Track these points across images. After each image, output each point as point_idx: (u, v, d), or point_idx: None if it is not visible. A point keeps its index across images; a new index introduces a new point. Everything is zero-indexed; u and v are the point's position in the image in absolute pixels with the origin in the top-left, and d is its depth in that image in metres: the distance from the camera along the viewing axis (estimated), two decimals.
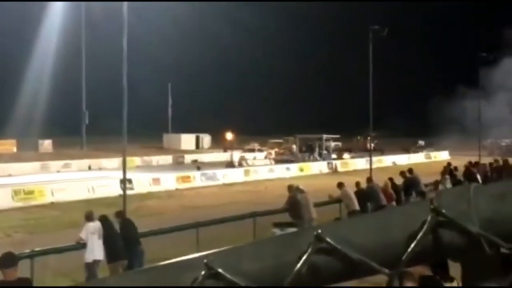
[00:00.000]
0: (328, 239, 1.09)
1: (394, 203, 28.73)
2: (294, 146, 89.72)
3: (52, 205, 39.65)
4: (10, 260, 11.14)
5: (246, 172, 60.72)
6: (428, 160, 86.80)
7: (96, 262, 18.36)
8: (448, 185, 31.75)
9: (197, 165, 68.01)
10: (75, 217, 28.39)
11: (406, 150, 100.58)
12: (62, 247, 19.17)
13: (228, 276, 1.12)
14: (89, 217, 19.10)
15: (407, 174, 33.88)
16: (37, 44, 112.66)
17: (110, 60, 50.08)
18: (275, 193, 37.82)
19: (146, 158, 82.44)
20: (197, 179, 53.80)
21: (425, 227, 1.05)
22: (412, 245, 1.06)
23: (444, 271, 7.93)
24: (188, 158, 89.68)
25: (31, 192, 41.55)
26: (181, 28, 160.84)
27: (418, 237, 1.05)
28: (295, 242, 1.13)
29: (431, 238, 1.06)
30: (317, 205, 26.25)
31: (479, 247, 1.04)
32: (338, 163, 74.46)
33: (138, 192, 43.27)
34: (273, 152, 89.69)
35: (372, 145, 66.14)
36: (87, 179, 50.83)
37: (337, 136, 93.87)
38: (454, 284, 8.19)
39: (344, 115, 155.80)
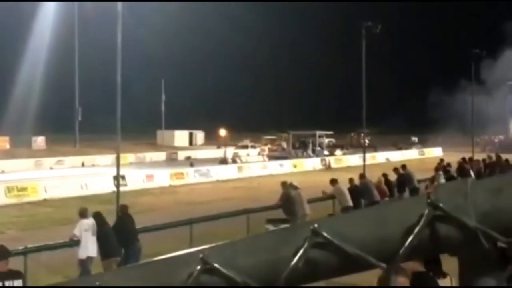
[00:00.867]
0: (325, 234, 1.09)
1: (387, 199, 28.79)
2: (284, 143, 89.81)
3: (45, 202, 39.61)
4: (1, 253, 11.14)
5: (240, 169, 60.73)
6: (421, 156, 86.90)
7: (89, 259, 18.37)
8: (442, 181, 31.76)
9: (191, 162, 68.01)
10: (69, 213, 28.39)
11: (395, 145, 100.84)
12: (55, 243, 19.17)
13: (224, 271, 1.12)
14: (83, 214, 19.10)
15: (401, 171, 33.95)
16: (30, 40, 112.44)
17: (103, 57, 50.08)
18: (268, 190, 37.83)
19: (139, 154, 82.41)
20: (191, 175, 53.79)
21: (422, 221, 1.05)
22: (409, 239, 1.05)
23: (437, 267, 7.94)
24: (182, 155, 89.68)
25: (24, 189, 41.49)
26: (174, 24, 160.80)
27: (415, 231, 1.05)
28: (291, 237, 1.13)
29: (428, 232, 1.06)
30: (310, 201, 26.29)
31: (476, 241, 1.04)
32: (331, 159, 74.49)
33: (132, 188, 43.23)
34: (266, 148, 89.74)
35: (366, 141, 66.21)
36: (80, 175, 50.82)
37: (331, 132, 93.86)
38: (447, 280, 8.20)
39: (337, 112, 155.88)
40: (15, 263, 13.64)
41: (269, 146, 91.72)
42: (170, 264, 1.19)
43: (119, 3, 28.15)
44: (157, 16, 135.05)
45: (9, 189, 40.65)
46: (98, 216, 19.19)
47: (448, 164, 39.41)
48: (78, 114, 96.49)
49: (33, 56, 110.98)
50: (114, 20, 28.39)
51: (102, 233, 18.64)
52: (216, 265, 1.12)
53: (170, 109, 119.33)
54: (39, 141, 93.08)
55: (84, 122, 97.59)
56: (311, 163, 70.21)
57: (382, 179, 30.89)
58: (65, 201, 38.31)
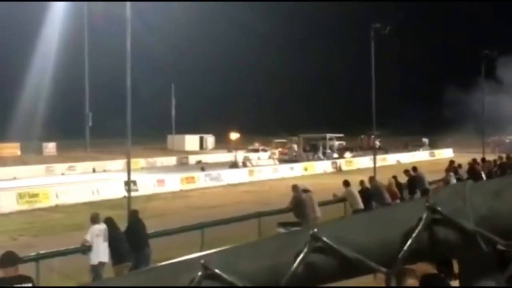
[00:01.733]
0: (324, 238, 1.09)
1: (398, 201, 28.71)
2: (295, 146, 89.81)
3: (57, 208, 39.71)
4: (10, 259, 11.17)
5: (250, 172, 60.76)
6: (432, 158, 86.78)
7: (101, 264, 18.40)
8: (453, 182, 31.70)
9: (201, 166, 68.01)
10: (80, 219, 28.43)
11: (405, 147, 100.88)
12: (67, 249, 19.19)
13: (225, 276, 1.12)
14: (94, 219, 19.12)
15: (411, 172, 33.88)
16: (39, 45, 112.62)
17: (113, 62, 50.15)
18: (279, 193, 37.84)
19: (150, 159, 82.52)
20: (202, 179, 53.83)
21: (420, 224, 1.05)
22: (408, 243, 1.06)
23: (449, 269, 7.92)
24: (192, 159, 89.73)
25: (35, 195, 41.60)
26: (184, 28, 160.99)
27: (414, 234, 1.05)
28: (291, 242, 1.13)
29: (427, 235, 1.06)
30: (321, 204, 26.27)
31: (475, 244, 1.04)
32: (342, 162, 74.44)
33: (143, 193, 43.31)
34: (277, 152, 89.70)
35: (377, 143, 66.14)
36: (91, 181, 50.90)
37: (341, 135, 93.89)
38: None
39: (348, 114, 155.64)
40: (27, 269, 13.67)
41: (280, 149, 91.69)
42: (171, 270, 1.20)
43: (128, 8, 28.22)
44: (166, 20, 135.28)
45: (20, 196, 40.77)
46: (109, 222, 19.22)
47: (459, 165, 39.29)
48: (88, 120, 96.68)
49: (42, 61, 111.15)
50: (123, 25, 28.47)
51: (114, 239, 18.66)
52: (217, 270, 1.13)
53: (180, 114, 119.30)
54: (50, 147, 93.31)
55: (94, 127, 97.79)
56: (322, 166, 70.22)
57: (393, 181, 30.83)
58: (76, 206, 38.41)
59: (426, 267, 7.16)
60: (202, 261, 1.14)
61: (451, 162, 40.81)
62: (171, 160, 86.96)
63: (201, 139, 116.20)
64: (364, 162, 69.87)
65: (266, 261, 1.13)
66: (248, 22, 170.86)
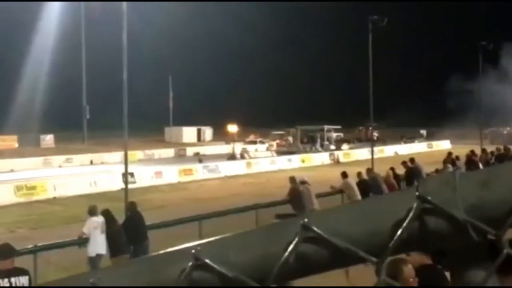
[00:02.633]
0: (315, 228, 1.09)
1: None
2: (290, 138, 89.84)
3: (55, 200, 39.73)
4: (6, 251, 11.17)
5: (248, 164, 60.77)
6: (430, 149, 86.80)
7: (99, 257, 18.41)
8: None
9: (199, 158, 68.01)
10: (78, 211, 28.47)
11: (402, 138, 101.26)
12: (65, 242, 19.22)
13: (216, 266, 1.12)
14: (92, 212, 19.14)
15: (409, 164, 33.94)
16: (36, 38, 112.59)
17: (110, 54, 50.10)
18: (277, 185, 37.88)
19: (147, 151, 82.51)
20: (199, 171, 53.85)
21: (410, 214, 1.05)
22: (398, 233, 1.06)
23: (444, 259, 7.92)
24: (190, 151, 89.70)
25: (33, 188, 41.61)
26: (180, 21, 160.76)
27: (404, 224, 1.05)
28: (282, 232, 1.13)
29: (417, 225, 1.06)
30: (319, 196, 26.30)
31: (465, 233, 1.04)
32: (340, 153, 74.46)
33: (141, 185, 43.34)
34: (274, 144, 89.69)
35: (375, 134, 66.18)
36: (89, 173, 50.88)
37: (339, 127, 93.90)
38: None
39: (346, 106, 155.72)
40: (25, 262, 13.68)
41: (278, 141, 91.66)
42: (162, 261, 1.20)
43: (124, 1, 28.25)
44: (163, 13, 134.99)
45: (18, 188, 40.78)
46: (107, 214, 19.24)
47: (457, 157, 39.37)
48: (86, 112, 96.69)
49: (39, 54, 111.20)
50: (120, 18, 28.46)
51: (111, 231, 18.68)
52: (207, 260, 1.12)
53: (178, 106, 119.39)
54: (48, 139, 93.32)
55: (92, 120, 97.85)
56: (320, 158, 70.23)
57: (391, 173, 30.88)
58: (74, 199, 38.42)
59: (421, 258, 7.17)
60: (192, 251, 1.14)
61: (449, 153, 40.90)
62: (169, 152, 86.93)
63: (199, 131, 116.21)
64: (362, 153, 69.84)
65: (256, 251, 1.13)
66: (245, 14, 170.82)
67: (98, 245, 18.44)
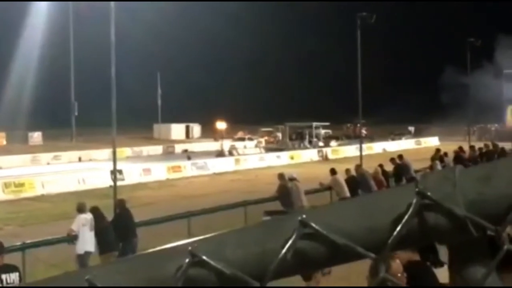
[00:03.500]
0: (313, 224, 1.09)
1: (384, 189, 28.77)
2: (278, 134, 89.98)
3: (43, 197, 39.66)
4: None
5: (237, 161, 60.82)
6: (418, 146, 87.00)
7: (87, 254, 18.40)
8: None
9: (188, 155, 67.98)
10: (66, 209, 28.45)
11: (392, 134, 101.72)
12: (53, 239, 19.22)
13: (213, 263, 1.11)
14: (80, 209, 19.12)
15: (397, 161, 34.05)
16: (24, 34, 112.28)
17: (98, 51, 50.01)
18: (266, 182, 37.92)
19: (136, 148, 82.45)
20: (188, 168, 53.86)
21: (410, 210, 1.05)
22: (398, 229, 1.05)
23: (434, 255, 7.94)
24: (179, 148, 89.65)
25: (21, 185, 41.53)
26: (169, 17, 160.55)
27: (404, 220, 1.05)
28: (280, 228, 1.13)
29: (417, 221, 1.05)
30: (308, 192, 26.36)
31: (465, 229, 1.04)
32: (328, 150, 74.56)
33: (129, 182, 43.34)
34: (263, 140, 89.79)
35: (364, 131, 66.29)
36: (77, 170, 50.84)
37: (327, 123, 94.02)
38: (444, 268, 8.19)
39: (334, 103, 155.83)
40: (13, 259, 13.66)
41: (266, 138, 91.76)
42: (158, 257, 1.19)
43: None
44: (151, 10, 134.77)
45: (6, 185, 40.69)
46: (95, 211, 19.23)
47: (445, 154, 39.50)
48: (74, 109, 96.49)
49: (27, 50, 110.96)
50: (108, 15, 28.43)
51: (100, 228, 18.68)
52: (204, 257, 1.12)
53: (166, 103, 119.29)
54: (36, 136, 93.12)
55: (80, 117, 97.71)
56: (308, 155, 70.37)
57: (379, 170, 30.97)
58: (62, 196, 38.38)
59: (408, 255, 7.17)
60: (189, 248, 1.13)
61: (437, 150, 41.03)
62: (157, 149, 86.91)
63: (187, 128, 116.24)
64: (351, 150, 69.91)
65: (254, 248, 1.12)
66: (233, 11, 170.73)
67: (87, 242, 18.42)
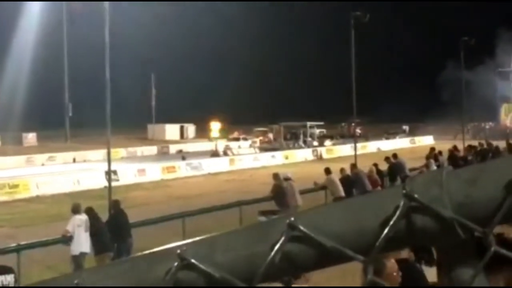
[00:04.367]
0: (301, 227, 1.09)
1: (379, 188, 28.80)
2: (271, 134, 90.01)
3: (38, 199, 39.64)
4: None
5: (231, 161, 60.81)
6: (412, 145, 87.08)
7: (82, 255, 18.40)
8: (434, 169, 31.86)
9: (182, 155, 67.96)
10: (61, 210, 28.44)
11: (386, 133, 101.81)
12: (48, 240, 19.21)
13: (202, 266, 1.12)
14: (75, 210, 19.12)
15: (392, 160, 34.07)
16: (17, 35, 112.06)
17: (92, 52, 49.95)
18: (260, 182, 37.92)
19: (130, 149, 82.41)
20: (182, 169, 53.85)
21: (397, 212, 1.05)
22: (385, 231, 1.05)
23: (428, 255, 7.97)
24: (173, 148, 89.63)
25: (16, 186, 41.49)
26: (162, 19, 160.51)
27: (391, 222, 1.05)
28: (268, 231, 1.13)
29: (404, 223, 1.06)
30: (302, 192, 26.38)
31: (453, 231, 1.04)
32: (323, 150, 74.59)
33: (124, 183, 43.32)
34: (258, 140, 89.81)
35: (358, 131, 66.32)
36: (72, 171, 50.82)
37: (321, 123, 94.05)
38: None
39: (329, 102, 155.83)
40: (8, 260, 13.66)
41: (261, 138, 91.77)
42: (147, 261, 1.19)
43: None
44: (145, 11, 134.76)
45: (0, 187, 40.67)
46: (90, 212, 19.24)
47: (440, 152, 39.55)
48: (68, 110, 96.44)
49: (20, 51, 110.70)
50: (102, 16, 28.42)
51: (95, 229, 18.69)
52: (193, 261, 1.12)
53: (160, 103, 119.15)
54: (30, 137, 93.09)
55: (74, 118, 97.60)
56: (303, 154, 70.40)
57: (374, 169, 31.01)
58: (57, 197, 38.38)
59: (395, 253, 7.19)
60: (178, 251, 1.13)
61: (432, 149, 41.10)
62: (152, 150, 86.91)
63: (182, 129, 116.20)
64: (345, 150, 70.01)
65: (242, 251, 1.13)
66: (227, 11, 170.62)
67: (82, 243, 18.42)
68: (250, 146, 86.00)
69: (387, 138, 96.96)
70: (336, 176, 28.23)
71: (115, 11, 36.53)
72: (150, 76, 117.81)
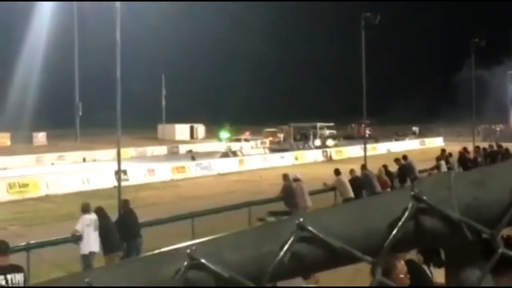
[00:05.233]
0: (310, 228, 1.10)
1: (389, 190, 28.71)
2: (280, 135, 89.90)
3: (47, 198, 39.66)
4: (2, 248, 11.16)
5: (241, 162, 60.73)
6: (422, 146, 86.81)
7: (92, 254, 18.40)
8: (444, 170, 31.78)
9: (192, 155, 67.93)
10: (70, 209, 28.48)
11: (396, 135, 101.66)
12: (58, 239, 19.21)
13: (211, 266, 1.12)
14: (85, 209, 19.12)
15: (402, 161, 33.97)
16: (29, 36, 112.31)
17: (103, 52, 50.04)
18: (270, 182, 37.91)
19: (140, 149, 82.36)
20: (192, 169, 53.80)
21: (406, 214, 1.06)
22: (394, 232, 1.06)
23: (436, 256, 7.96)
24: (183, 149, 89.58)
25: (26, 185, 41.52)
26: (173, 19, 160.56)
27: (399, 224, 1.06)
28: (277, 231, 1.14)
29: (413, 225, 1.06)
30: (312, 193, 26.33)
31: (460, 233, 1.05)
32: (333, 151, 74.48)
33: (133, 183, 43.29)
34: (267, 141, 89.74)
35: (368, 132, 66.21)
36: (81, 171, 50.78)
37: (331, 124, 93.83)
38: None
39: (339, 103, 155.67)
40: (18, 259, 13.67)
41: (271, 138, 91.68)
42: (157, 260, 1.20)
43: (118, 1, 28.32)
44: (156, 11, 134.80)
45: (10, 186, 40.70)
46: (100, 211, 19.24)
47: (450, 154, 39.42)
48: (78, 109, 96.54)
49: (31, 51, 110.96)
50: (113, 16, 28.44)
51: (105, 228, 18.69)
52: (203, 260, 1.13)
53: (170, 103, 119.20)
54: (40, 137, 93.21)
55: (85, 118, 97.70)
56: (312, 155, 70.27)
57: (383, 170, 30.93)
58: (67, 196, 38.39)
59: (401, 254, 7.19)
60: (187, 251, 1.14)
61: (443, 150, 40.95)
62: (162, 150, 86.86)
63: (192, 129, 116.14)
64: (355, 151, 69.80)
65: (251, 251, 1.13)
66: (238, 11, 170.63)
67: (91, 242, 18.43)
68: (252, 147, 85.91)
69: (396, 140, 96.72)
70: (345, 177, 28.16)
71: (126, 11, 36.56)
72: (160, 76, 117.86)
